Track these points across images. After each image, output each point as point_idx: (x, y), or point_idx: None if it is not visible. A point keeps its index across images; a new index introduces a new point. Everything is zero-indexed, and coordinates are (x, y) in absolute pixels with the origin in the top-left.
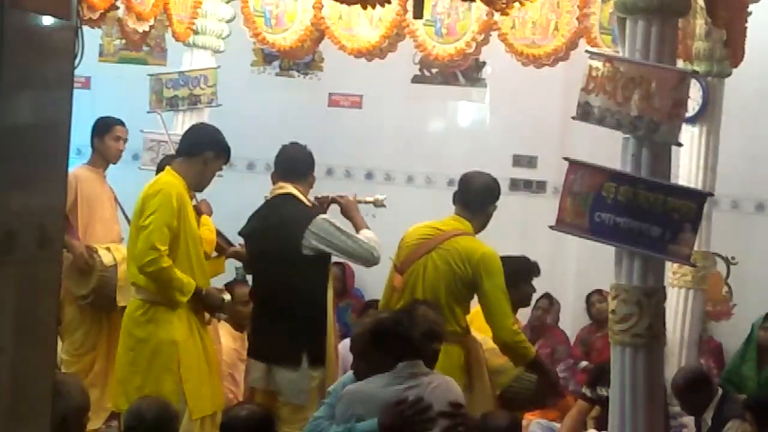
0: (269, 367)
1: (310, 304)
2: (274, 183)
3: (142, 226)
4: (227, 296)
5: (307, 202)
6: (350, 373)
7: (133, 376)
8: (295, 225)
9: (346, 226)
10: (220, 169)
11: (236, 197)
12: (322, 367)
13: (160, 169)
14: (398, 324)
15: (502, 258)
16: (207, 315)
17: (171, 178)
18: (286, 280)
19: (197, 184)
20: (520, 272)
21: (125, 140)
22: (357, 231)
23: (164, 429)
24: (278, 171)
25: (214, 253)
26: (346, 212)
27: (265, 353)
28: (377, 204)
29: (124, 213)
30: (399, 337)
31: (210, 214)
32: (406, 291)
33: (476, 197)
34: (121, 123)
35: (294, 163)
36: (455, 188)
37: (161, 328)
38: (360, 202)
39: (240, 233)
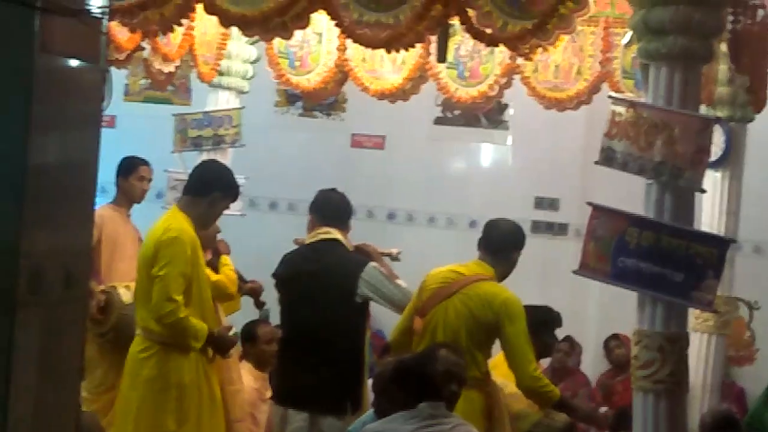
0: (313, 417)
1: (354, 350)
2: (313, 227)
3: (157, 276)
4: (233, 331)
5: (351, 249)
6: (371, 411)
7: (135, 415)
8: (350, 272)
9: None
10: (227, 208)
11: (258, 237)
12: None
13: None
14: (420, 364)
15: (525, 307)
16: (211, 351)
17: (182, 223)
18: (333, 326)
19: (203, 223)
20: (542, 322)
21: (149, 180)
22: (391, 279)
23: None
24: (320, 215)
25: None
26: (373, 260)
27: (308, 402)
28: (393, 258)
29: None
30: (421, 377)
31: (228, 253)
32: (427, 334)
33: (500, 244)
34: (146, 163)
35: (338, 208)
36: (476, 230)
37: (171, 371)
38: (380, 254)
39: (276, 275)
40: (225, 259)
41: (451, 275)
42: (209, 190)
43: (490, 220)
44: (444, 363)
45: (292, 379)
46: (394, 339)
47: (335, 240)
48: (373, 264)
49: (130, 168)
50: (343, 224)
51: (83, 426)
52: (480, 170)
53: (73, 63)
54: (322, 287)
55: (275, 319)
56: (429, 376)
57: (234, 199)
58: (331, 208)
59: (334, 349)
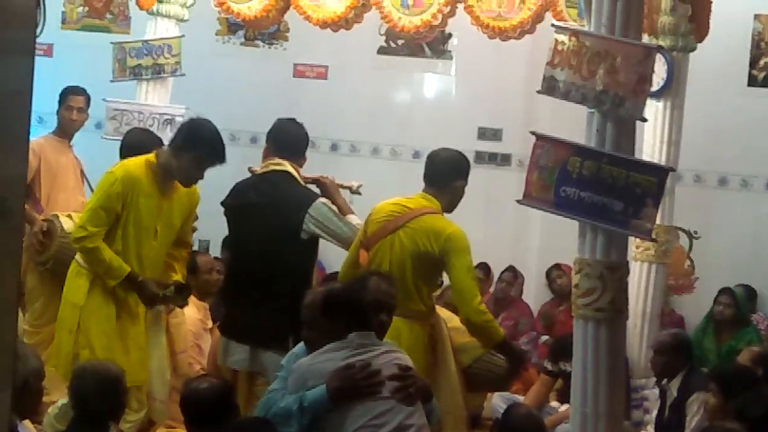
0: (254, 350)
1: (298, 286)
2: (266, 156)
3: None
4: (169, 289)
5: (303, 182)
6: (301, 344)
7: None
8: (296, 207)
9: None
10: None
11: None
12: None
13: (125, 140)
14: (350, 294)
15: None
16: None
17: (135, 164)
18: (277, 262)
19: (186, 179)
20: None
21: (79, 109)
22: (343, 214)
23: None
24: (274, 146)
25: None
26: (329, 194)
27: (250, 336)
28: (353, 191)
29: (88, 183)
30: (349, 306)
31: None
32: (372, 267)
33: (442, 173)
34: (77, 92)
35: (293, 140)
36: (420, 160)
37: (69, 289)
38: (339, 186)
39: (225, 204)
40: None
41: (397, 209)
42: (194, 148)
43: (432, 151)
44: (373, 292)
45: (234, 311)
46: (343, 273)
47: (286, 172)
48: (321, 200)
49: (60, 97)
50: (296, 156)
51: (23, 352)
52: (424, 101)
53: None
54: (268, 221)
55: (216, 249)
56: (358, 305)
57: (214, 164)
58: (285, 138)
59: (276, 284)
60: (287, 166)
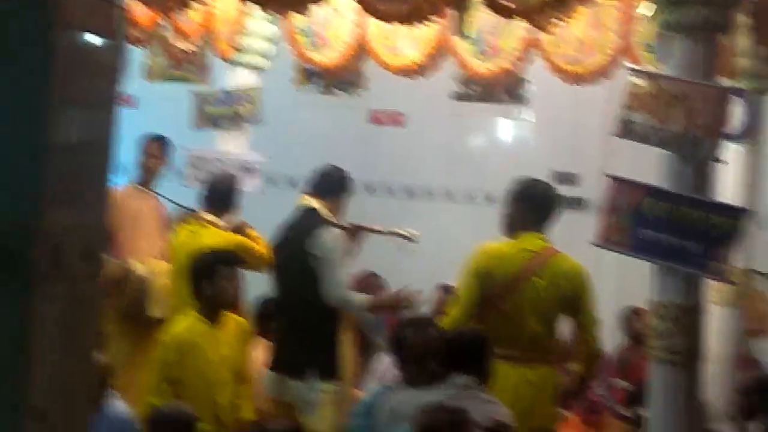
0: (281, 377)
1: (320, 317)
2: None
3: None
4: None
5: (328, 218)
6: (379, 386)
7: None
8: (306, 232)
9: None
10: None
11: (277, 214)
12: (334, 382)
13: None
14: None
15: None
16: None
17: (181, 326)
18: (298, 292)
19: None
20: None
21: (154, 155)
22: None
23: None
24: (309, 185)
25: None
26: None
27: (278, 364)
28: (408, 238)
29: None
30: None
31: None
32: (511, 316)
33: (548, 211)
34: (152, 138)
35: (324, 178)
36: (495, 205)
37: None
38: (393, 233)
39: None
40: (251, 231)
41: (524, 254)
42: None
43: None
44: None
45: (274, 341)
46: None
47: (309, 207)
48: (335, 232)
49: (139, 144)
50: (328, 195)
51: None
52: (500, 146)
53: (91, 39)
54: (288, 253)
55: None
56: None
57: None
58: (317, 178)
59: (300, 314)
60: (313, 203)
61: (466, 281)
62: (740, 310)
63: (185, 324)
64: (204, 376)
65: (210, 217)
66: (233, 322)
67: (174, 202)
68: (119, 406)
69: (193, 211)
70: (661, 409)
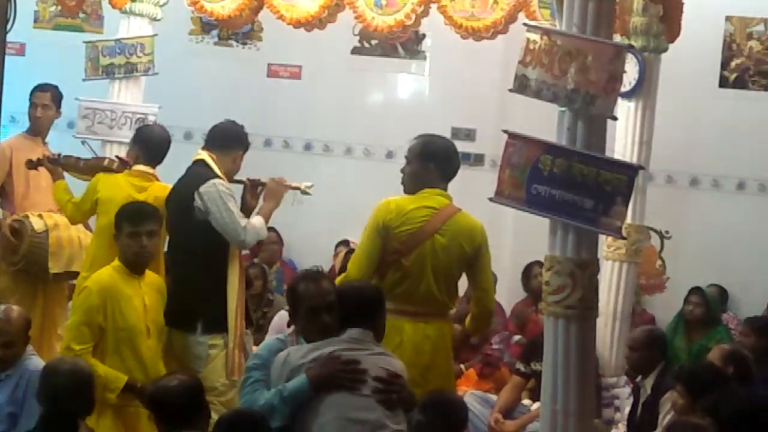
0: (169, 331)
1: (205, 269)
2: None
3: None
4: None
5: (217, 171)
6: (274, 337)
7: None
8: (190, 186)
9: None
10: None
11: (172, 167)
12: (221, 334)
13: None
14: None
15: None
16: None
17: (104, 272)
18: (183, 244)
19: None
20: None
21: (44, 105)
22: (254, 213)
23: None
24: (205, 140)
25: None
26: (265, 195)
27: (169, 318)
28: (303, 192)
29: None
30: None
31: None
32: (413, 273)
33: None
34: (42, 89)
35: (217, 132)
36: (393, 161)
37: None
38: (288, 187)
39: None
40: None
41: (425, 212)
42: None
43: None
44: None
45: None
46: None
47: (199, 160)
48: (216, 181)
49: (30, 95)
50: (220, 148)
51: None
52: (397, 101)
53: None
54: (173, 205)
55: None
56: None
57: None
58: (211, 132)
59: (185, 266)
60: (204, 155)
61: (368, 237)
62: (633, 266)
63: (109, 271)
64: (127, 321)
65: (149, 169)
66: (153, 277)
67: (93, 153)
68: (35, 360)
69: (126, 163)
70: (554, 363)
